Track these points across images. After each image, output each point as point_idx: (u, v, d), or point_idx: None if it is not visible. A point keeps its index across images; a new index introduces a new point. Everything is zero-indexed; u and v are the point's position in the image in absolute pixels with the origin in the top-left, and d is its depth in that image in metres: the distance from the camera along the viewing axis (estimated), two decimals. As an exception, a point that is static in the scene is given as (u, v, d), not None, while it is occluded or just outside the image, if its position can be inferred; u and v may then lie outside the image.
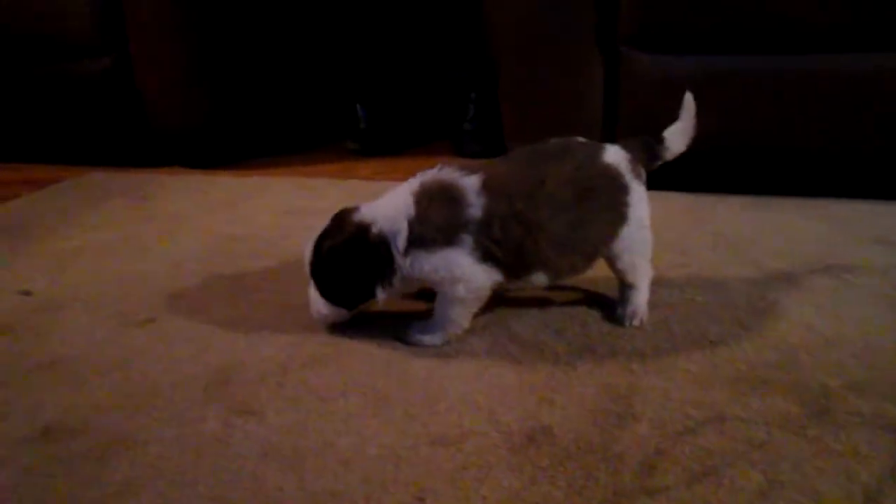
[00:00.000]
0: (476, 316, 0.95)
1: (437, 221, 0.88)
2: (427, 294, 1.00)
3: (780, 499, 0.65)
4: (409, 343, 0.93)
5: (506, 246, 0.89)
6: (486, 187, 0.89)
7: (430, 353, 0.92)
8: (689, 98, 1.00)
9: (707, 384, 0.82)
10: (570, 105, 1.51)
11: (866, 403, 0.77)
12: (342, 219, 0.93)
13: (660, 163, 1.01)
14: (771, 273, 1.10)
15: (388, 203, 0.92)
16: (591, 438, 0.74)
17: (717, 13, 1.36)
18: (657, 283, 1.04)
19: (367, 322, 0.99)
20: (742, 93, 1.40)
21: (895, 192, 1.40)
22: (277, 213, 1.49)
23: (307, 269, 0.94)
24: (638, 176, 0.95)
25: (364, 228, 0.90)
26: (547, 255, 0.90)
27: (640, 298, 0.98)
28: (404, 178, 0.95)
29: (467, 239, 0.88)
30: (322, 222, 0.95)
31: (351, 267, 0.91)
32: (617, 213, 0.93)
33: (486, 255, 0.89)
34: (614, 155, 0.94)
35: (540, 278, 0.93)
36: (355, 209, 0.93)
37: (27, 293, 1.15)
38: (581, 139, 0.98)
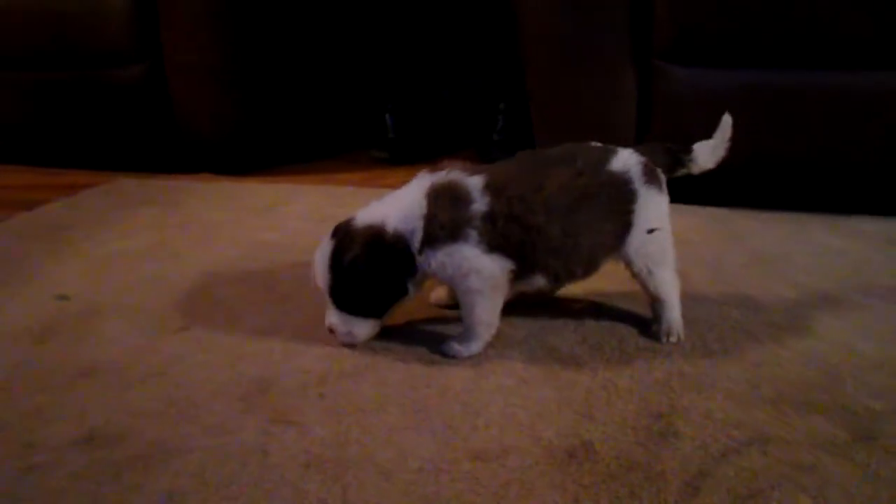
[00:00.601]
0: (512, 330, 0.95)
1: (443, 219, 0.90)
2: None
3: (829, 524, 0.64)
4: (448, 355, 0.94)
5: (508, 243, 0.90)
6: (489, 187, 0.91)
7: (468, 365, 0.92)
8: (726, 119, 0.99)
9: (748, 404, 0.82)
10: (603, 118, 1.51)
11: (913, 428, 0.76)
12: (347, 231, 0.93)
13: (683, 172, 1.00)
14: (807, 291, 1.09)
15: (398, 204, 0.93)
16: (633, 457, 0.74)
17: (753, 27, 1.35)
18: (692, 299, 1.03)
19: (404, 336, 1.00)
20: (776, 107, 1.39)
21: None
22: (309, 220, 1.50)
23: (326, 294, 0.94)
24: (651, 182, 0.95)
25: (376, 230, 0.91)
26: (544, 259, 0.92)
27: (673, 314, 0.97)
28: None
29: (472, 233, 0.90)
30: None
31: (375, 271, 0.91)
32: (620, 220, 0.93)
33: (492, 247, 0.90)
34: (624, 161, 0.94)
35: (539, 281, 0.94)
36: (352, 219, 0.94)
37: (64, 298, 1.17)
38: (595, 144, 0.98)
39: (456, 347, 0.94)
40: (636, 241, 0.94)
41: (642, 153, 0.96)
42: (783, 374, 0.87)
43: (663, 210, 0.96)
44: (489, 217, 0.90)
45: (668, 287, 0.97)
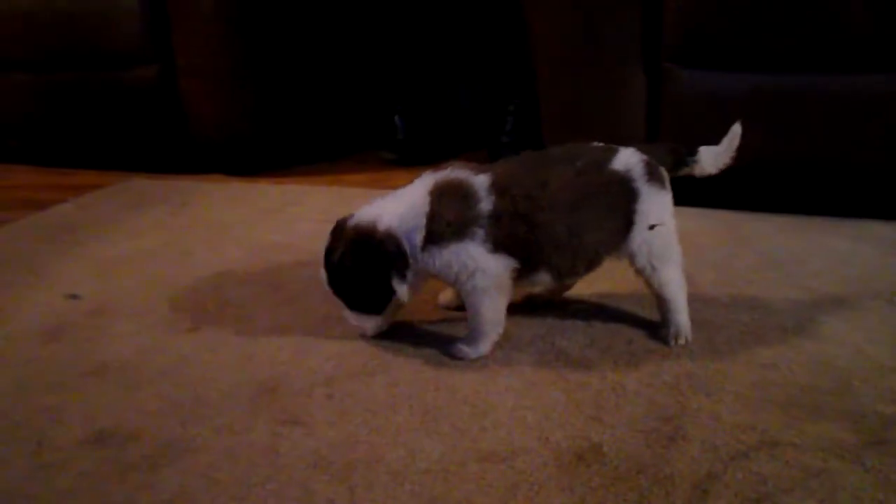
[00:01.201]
0: (521, 331, 0.95)
1: (449, 217, 0.90)
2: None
3: (838, 528, 0.64)
4: (456, 357, 0.94)
5: (513, 241, 0.91)
6: (495, 185, 0.91)
7: (476, 367, 0.92)
8: (736, 129, 0.99)
9: (757, 407, 0.81)
10: (612, 121, 1.51)
11: (924, 432, 0.76)
12: (339, 230, 0.96)
13: (686, 172, 1.00)
14: (817, 294, 1.09)
15: (400, 202, 0.94)
16: (642, 459, 0.74)
17: (762, 30, 1.34)
18: (701, 301, 1.03)
19: (412, 337, 1.00)
20: (786, 111, 1.38)
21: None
22: (318, 221, 1.50)
23: (328, 289, 0.96)
24: (654, 181, 0.94)
25: (364, 229, 0.92)
26: (548, 256, 0.92)
27: (680, 317, 0.97)
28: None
29: (478, 231, 0.90)
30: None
31: (361, 269, 0.92)
32: (622, 218, 0.93)
33: (497, 245, 0.90)
34: (626, 160, 0.94)
35: (544, 277, 0.95)
36: (349, 217, 0.96)
37: (75, 297, 1.18)
38: (598, 144, 0.98)
39: (464, 349, 0.94)
40: (639, 237, 0.94)
41: (644, 152, 0.96)
42: (793, 378, 0.87)
43: (666, 207, 0.96)
44: (495, 215, 0.90)
45: (674, 287, 0.97)
